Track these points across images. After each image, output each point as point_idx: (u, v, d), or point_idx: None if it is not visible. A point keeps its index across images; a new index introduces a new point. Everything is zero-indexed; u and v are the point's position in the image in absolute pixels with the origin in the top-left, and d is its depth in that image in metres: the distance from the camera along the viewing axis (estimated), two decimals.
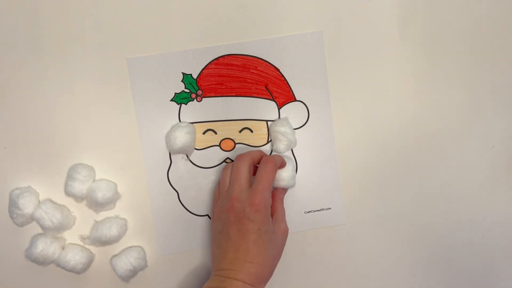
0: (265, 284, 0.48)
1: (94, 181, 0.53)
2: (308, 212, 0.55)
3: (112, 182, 0.54)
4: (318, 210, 0.56)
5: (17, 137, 0.54)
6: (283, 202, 0.53)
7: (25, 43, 0.53)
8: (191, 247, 0.55)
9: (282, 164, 0.52)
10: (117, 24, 0.53)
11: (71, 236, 0.54)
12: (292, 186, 0.53)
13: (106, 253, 0.54)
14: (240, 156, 0.50)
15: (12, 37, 0.53)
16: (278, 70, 0.54)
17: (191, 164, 0.55)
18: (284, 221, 0.51)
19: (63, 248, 0.53)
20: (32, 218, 0.52)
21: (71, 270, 0.52)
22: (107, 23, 0.53)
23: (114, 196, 0.53)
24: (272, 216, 0.50)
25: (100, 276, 0.54)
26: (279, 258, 0.50)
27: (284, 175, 0.52)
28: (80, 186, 0.52)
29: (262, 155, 0.51)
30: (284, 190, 0.53)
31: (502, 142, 0.57)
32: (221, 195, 0.50)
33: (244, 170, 0.49)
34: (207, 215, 0.55)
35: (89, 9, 0.53)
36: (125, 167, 0.54)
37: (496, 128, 0.57)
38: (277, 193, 0.53)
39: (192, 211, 0.55)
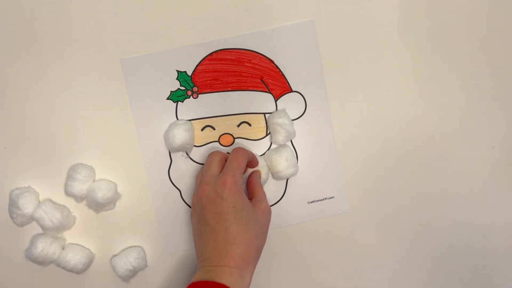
0: (253, 266, 0.46)
1: (94, 181, 0.53)
2: (312, 202, 0.55)
3: (112, 182, 0.54)
4: (321, 200, 0.56)
5: (17, 137, 0.54)
6: (261, 186, 0.52)
7: (25, 43, 0.53)
8: None
9: (254, 160, 0.52)
10: (113, 25, 0.53)
11: (71, 236, 0.54)
12: (293, 174, 0.53)
13: (106, 253, 0.54)
14: (211, 153, 0.51)
15: (11, 38, 0.53)
16: (273, 62, 0.54)
17: (192, 161, 0.55)
18: (264, 200, 0.50)
19: (63, 248, 0.53)
20: (32, 218, 0.52)
21: (71, 270, 0.52)
22: (102, 24, 0.53)
23: (114, 196, 0.53)
24: (250, 200, 0.50)
25: (100, 276, 0.54)
26: (264, 239, 0.48)
27: (280, 167, 0.52)
28: (80, 186, 0.52)
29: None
30: (259, 174, 0.53)
31: (502, 142, 0.57)
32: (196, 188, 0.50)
33: (215, 160, 0.50)
34: None
35: (86, 10, 0.53)
36: (125, 167, 0.54)
37: (496, 128, 0.57)
38: (252, 178, 0.52)
39: None
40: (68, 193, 0.53)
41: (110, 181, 0.54)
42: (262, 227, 0.48)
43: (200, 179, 0.50)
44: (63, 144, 0.54)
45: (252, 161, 0.52)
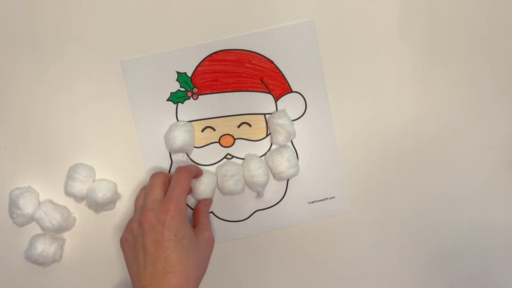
0: None
1: (94, 181, 0.53)
2: (312, 202, 0.56)
3: (112, 182, 0.54)
4: (322, 200, 0.56)
5: (17, 137, 0.54)
6: (207, 214, 0.52)
7: (25, 44, 0.53)
8: None
9: (198, 173, 0.51)
10: (112, 26, 0.53)
11: (71, 236, 0.54)
12: (295, 174, 0.54)
13: (106, 253, 0.54)
14: (153, 174, 0.50)
15: (11, 38, 0.53)
16: (273, 63, 0.54)
17: (192, 162, 0.55)
18: (208, 229, 0.49)
19: (62, 248, 0.53)
20: (32, 218, 0.52)
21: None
22: (103, 25, 0.53)
23: (114, 196, 0.53)
24: (195, 227, 0.50)
25: (100, 276, 0.55)
26: (204, 269, 0.47)
27: (281, 167, 0.53)
28: (80, 186, 0.52)
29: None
30: (208, 202, 0.53)
31: (502, 142, 0.57)
32: (134, 212, 0.49)
33: (158, 183, 0.48)
34: (212, 212, 0.55)
35: (86, 11, 0.53)
36: (125, 167, 0.54)
37: (496, 128, 0.57)
38: (199, 206, 0.52)
39: None
40: (68, 193, 0.53)
41: (110, 181, 0.53)
42: (203, 257, 0.47)
43: (142, 203, 0.48)
44: (63, 144, 0.54)
45: (196, 175, 0.52)
